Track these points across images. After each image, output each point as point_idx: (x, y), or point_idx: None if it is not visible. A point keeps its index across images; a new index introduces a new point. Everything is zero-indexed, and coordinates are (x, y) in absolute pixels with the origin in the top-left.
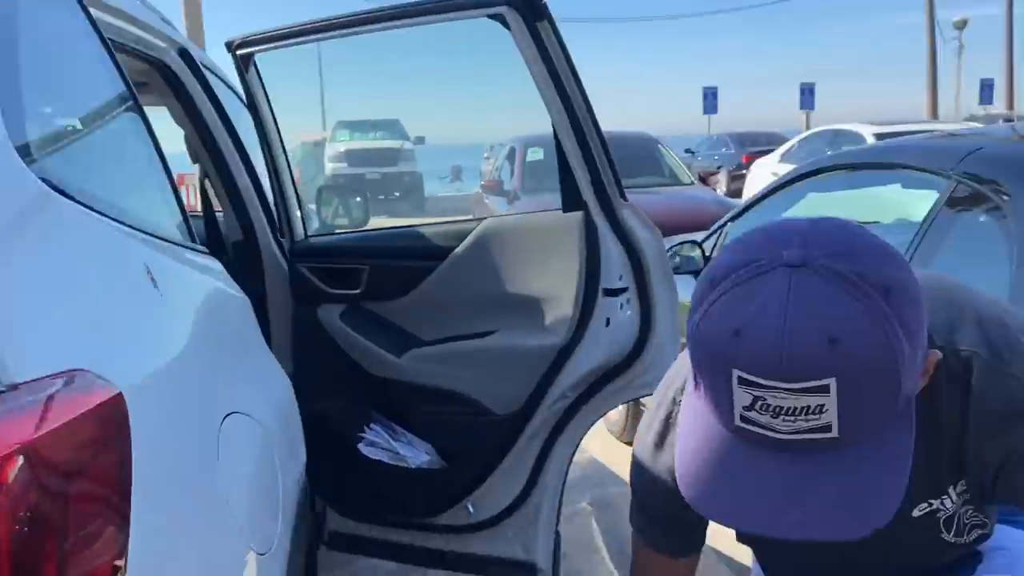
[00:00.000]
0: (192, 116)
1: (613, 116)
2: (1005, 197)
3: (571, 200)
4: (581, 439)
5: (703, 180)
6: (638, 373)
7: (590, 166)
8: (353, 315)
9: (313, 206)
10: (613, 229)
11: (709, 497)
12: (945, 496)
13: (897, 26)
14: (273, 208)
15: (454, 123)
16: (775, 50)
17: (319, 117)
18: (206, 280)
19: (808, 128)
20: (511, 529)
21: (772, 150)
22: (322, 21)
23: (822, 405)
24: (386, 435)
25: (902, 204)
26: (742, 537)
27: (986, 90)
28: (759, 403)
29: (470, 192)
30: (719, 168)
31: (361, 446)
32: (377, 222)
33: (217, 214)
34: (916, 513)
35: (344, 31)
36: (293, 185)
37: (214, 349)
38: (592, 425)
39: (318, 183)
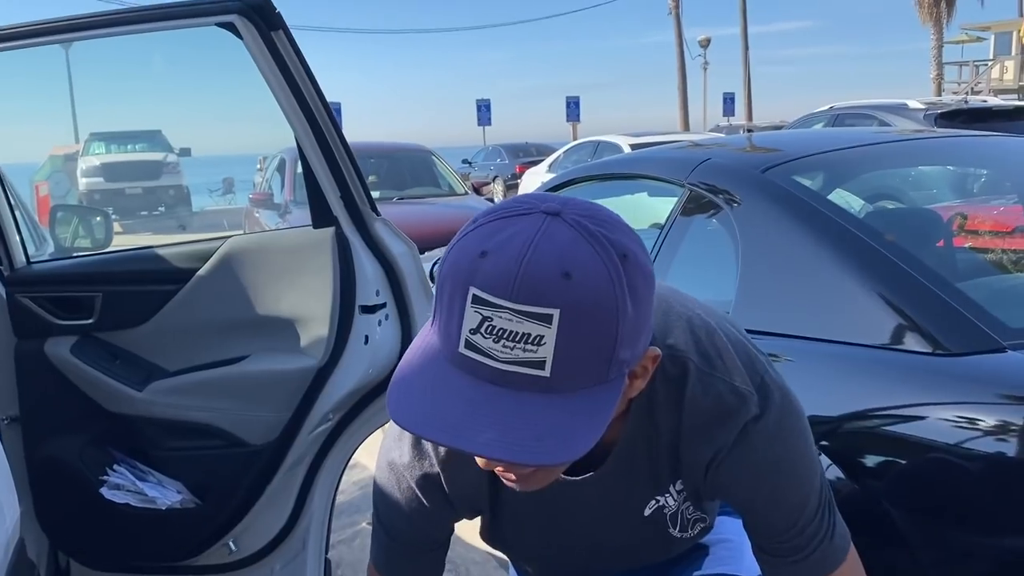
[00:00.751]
0: None
1: (393, 129)
2: (735, 204)
3: (321, 216)
4: (348, 461)
5: (477, 190)
6: None
7: (339, 181)
8: (86, 347)
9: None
10: (367, 244)
11: (408, 406)
12: (668, 494)
13: (652, 43)
14: None
15: (224, 132)
16: (543, 64)
17: (71, 128)
18: None
19: (575, 139)
20: (278, 562)
21: (542, 160)
22: (29, 25)
23: (542, 336)
24: (131, 476)
25: (651, 211)
26: (487, 537)
27: (728, 103)
28: (485, 324)
29: (243, 206)
30: (495, 178)
31: (104, 490)
32: (140, 240)
33: None
34: (647, 512)
35: (56, 37)
36: (10, 206)
37: None
38: (359, 446)
39: (70, 200)
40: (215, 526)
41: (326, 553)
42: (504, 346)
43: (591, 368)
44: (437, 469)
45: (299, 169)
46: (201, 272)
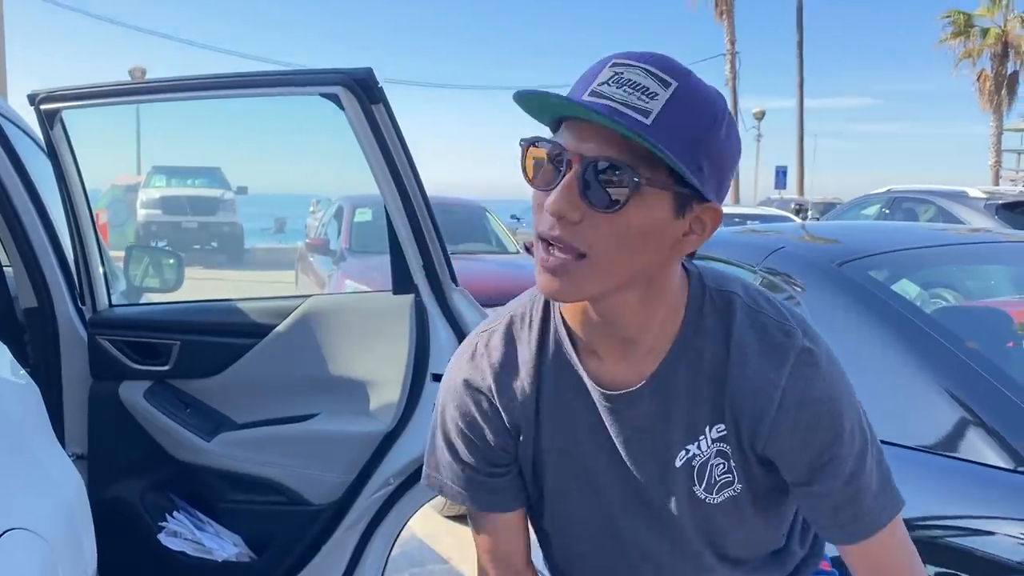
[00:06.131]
0: None
1: (448, 178)
2: (798, 288)
3: (402, 282)
4: (403, 527)
5: (528, 249)
6: None
7: (422, 249)
8: (159, 394)
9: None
10: (443, 313)
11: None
12: (702, 437)
13: None
14: (74, 272)
15: (278, 172)
16: None
17: (134, 160)
18: None
19: None
20: None
21: None
22: (146, 83)
23: (657, 94)
24: (190, 525)
25: None
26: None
27: (780, 176)
28: (615, 77)
29: (293, 244)
30: None
31: (162, 536)
32: (192, 272)
33: (7, 270)
34: (677, 463)
35: (169, 95)
36: (99, 250)
37: None
38: (415, 512)
39: (127, 229)
40: None
41: None
42: (624, 91)
43: (678, 145)
44: (490, 381)
45: (356, 218)
46: (279, 328)
